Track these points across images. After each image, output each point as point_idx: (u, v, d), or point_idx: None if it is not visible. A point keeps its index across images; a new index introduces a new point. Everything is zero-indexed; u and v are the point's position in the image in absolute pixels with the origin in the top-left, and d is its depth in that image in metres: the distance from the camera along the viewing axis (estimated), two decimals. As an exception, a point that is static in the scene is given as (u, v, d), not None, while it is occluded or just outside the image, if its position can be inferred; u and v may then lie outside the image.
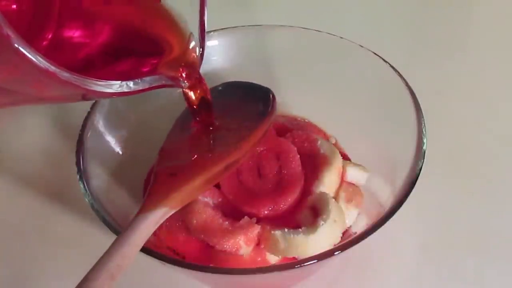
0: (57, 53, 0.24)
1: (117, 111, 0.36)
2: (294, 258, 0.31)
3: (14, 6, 0.19)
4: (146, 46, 0.30)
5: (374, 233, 0.27)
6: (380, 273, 0.37)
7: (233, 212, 0.33)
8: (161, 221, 0.28)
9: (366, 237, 0.27)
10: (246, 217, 0.32)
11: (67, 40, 0.28)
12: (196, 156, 0.31)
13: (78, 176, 0.31)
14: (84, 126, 0.33)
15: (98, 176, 0.33)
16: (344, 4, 0.63)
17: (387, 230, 0.28)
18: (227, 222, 0.32)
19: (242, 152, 0.32)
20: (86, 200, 0.30)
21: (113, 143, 0.36)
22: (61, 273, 0.38)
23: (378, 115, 0.37)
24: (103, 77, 0.23)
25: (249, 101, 0.35)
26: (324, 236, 0.30)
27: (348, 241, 0.27)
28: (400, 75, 0.35)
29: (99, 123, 0.35)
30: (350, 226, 0.34)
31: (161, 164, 0.32)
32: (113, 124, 0.36)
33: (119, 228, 0.28)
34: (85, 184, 0.30)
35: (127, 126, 0.37)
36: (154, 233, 0.28)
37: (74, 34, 0.29)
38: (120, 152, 0.36)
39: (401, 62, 0.36)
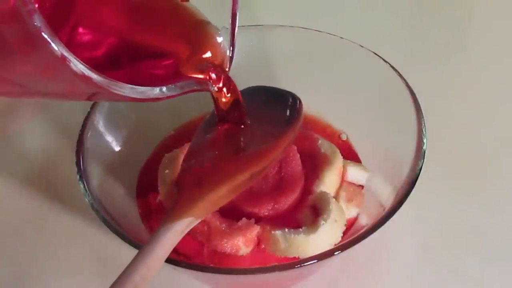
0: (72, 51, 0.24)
1: (117, 111, 0.36)
2: (294, 257, 0.31)
3: (36, 5, 0.18)
4: (163, 47, 0.29)
5: (374, 233, 0.27)
6: (380, 273, 0.37)
7: (232, 213, 0.33)
8: (186, 231, 0.27)
9: (366, 237, 0.27)
10: (244, 218, 0.32)
11: (80, 39, 0.27)
12: (221, 164, 0.30)
13: (78, 176, 0.31)
14: (84, 126, 0.33)
15: (98, 176, 0.33)
16: (344, 4, 0.63)
17: (387, 230, 0.28)
18: (224, 224, 0.32)
19: (268, 161, 0.30)
20: (86, 200, 0.30)
21: (113, 143, 0.36)
22: (61, 272, 0.38)
23: (378, 115, 0.37)
24: (118, 79, 0.22)
25: (274, 106, 0.34)
26: (325, 236, 0.30)
27: (348, 241, 0.27)
28: (400, 75, 0.35)
29: (99, 123, 0.35)
30: (357, 215, 0.34)
31: (185, 171, 0.30)
32: (113, 124, 0.36)
33: (119, 228, 0.28)
34: (85, 184, 0.30)
35: (127, 126, 0.37)
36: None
37: (88, 34, 0.28)
38: (120, 152, 0.36)
39: (401, 62, 0.36)
